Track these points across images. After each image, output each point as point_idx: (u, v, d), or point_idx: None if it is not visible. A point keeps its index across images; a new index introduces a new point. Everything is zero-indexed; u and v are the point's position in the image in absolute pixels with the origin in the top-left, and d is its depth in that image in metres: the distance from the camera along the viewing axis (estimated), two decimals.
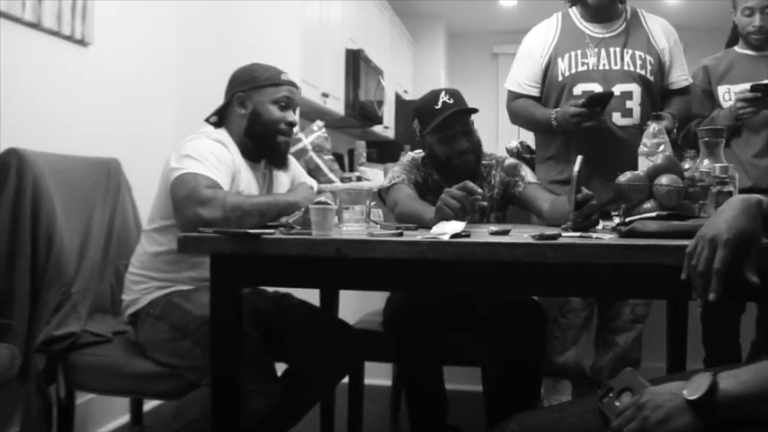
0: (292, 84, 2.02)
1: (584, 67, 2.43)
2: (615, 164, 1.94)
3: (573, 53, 2.46)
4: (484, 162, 2.29)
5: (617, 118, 2.39)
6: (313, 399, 2.06)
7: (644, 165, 1.82)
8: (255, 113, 1.96)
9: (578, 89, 2.41)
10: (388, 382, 2.92)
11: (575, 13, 2.54)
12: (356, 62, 4.99)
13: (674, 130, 2.76)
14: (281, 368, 2.03)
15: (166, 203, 1.85)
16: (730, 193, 1.66)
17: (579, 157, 1.62)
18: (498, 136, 7.98)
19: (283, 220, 1.70)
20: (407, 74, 7.23)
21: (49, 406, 1.94)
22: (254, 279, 1.64)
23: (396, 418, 2.82)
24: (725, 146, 1.90)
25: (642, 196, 1.67)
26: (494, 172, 2.29)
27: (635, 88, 2.39)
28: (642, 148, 1.90)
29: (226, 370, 1.51)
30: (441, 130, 2.14)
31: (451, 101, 2.13)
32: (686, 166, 1.91)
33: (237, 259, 1.48)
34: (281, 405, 1.82)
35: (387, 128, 6.30)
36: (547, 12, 2.65)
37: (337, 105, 4.76)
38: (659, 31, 2.50)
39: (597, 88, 2.38)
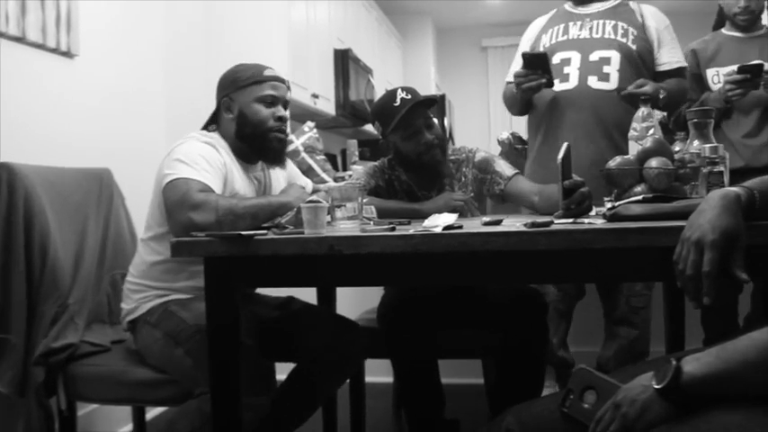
0: (277, 78, 1.97)
1: (564, 37, 2.46)
2: (591, 126, 2.24)
3: (556, 28, 2.50)
4: (452, 157, 2.25)
5: (593, 81, 2.38)
6: (321, 397, 2.06)
7: (634, 149, 1.82)
8: (242, 115, 1.93)
9: (556, 58, 2.41)
10: (390, 379, 2.91)
11: (570, 3, 2.58)
12: (345, 62, 4.98)
13: (665, 109, 2.74)
14: (289, 367, 2.02)
15: (161, 210, 1.83)
16: (721, 173, 1.66)
17: (564, 144, 1.61)
18: (490, 128, 8.01)
19: (276, 220, 1.69)
20: (397, 71, 7.22)
21: (51, 418, 1.94)
22: (248, 281, 1.64)
23: (398, 415, 2.82)
24: (715, 128, 1.90)
25: (633, 180, 1.67)
26: (464, 169, 2.24)
27: (614, 54, 2.39)
28: (632, 133, 1.90)
29: (222, 374, 1.51)
30: (403, 127, 2.12)
31: (409, 96, 2.11)
32: (677, 148, 1.91)
33: (231, 261, 1.48)
34: (289, 404, 1.81)
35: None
36: (533, 4, 2.66)
37: (328, 106, 4.76)
38: (649, 13, 2.51)
39: (575, 56, 2.40)
